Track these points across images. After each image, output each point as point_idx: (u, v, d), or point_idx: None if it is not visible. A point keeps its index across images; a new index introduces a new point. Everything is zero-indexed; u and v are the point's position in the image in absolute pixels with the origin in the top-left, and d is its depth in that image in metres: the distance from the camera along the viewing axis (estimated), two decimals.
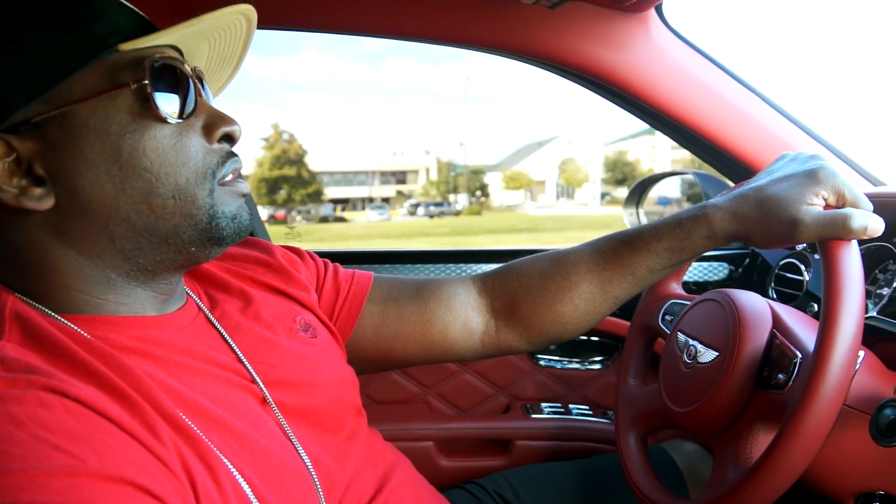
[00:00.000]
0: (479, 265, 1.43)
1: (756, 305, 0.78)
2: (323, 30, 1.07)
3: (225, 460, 0.53)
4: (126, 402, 0.49)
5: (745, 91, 1.10)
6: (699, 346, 0.81)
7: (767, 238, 0.71)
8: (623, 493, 1.01)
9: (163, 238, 0.59)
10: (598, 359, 1.46)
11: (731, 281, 1.35)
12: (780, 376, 0.69)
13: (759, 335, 0.74)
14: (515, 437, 1.33)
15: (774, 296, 1.22)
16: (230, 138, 0.63)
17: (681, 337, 0.86)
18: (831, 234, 0.65)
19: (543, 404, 1.41)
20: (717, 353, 0.77)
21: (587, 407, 1.41)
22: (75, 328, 0.56)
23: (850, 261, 0.64)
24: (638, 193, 1.70)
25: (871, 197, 0.69)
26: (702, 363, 0.79)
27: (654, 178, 1.65)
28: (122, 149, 0.55)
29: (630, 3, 0.98)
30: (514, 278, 0.87)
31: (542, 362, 1.45)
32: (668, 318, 0.99)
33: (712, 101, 1.10)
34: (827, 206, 0.68)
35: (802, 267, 1.16)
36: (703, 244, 0.76)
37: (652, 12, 1.04)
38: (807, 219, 0.67)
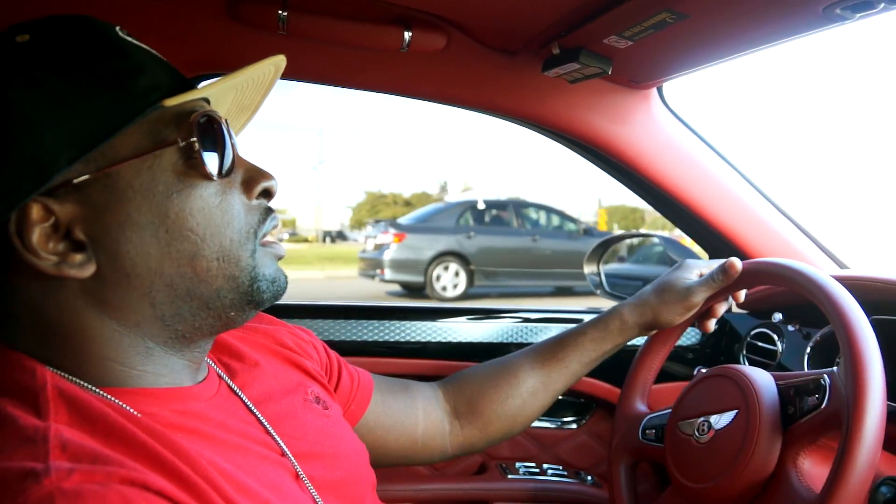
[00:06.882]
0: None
1: (753, 368, 0.82)
2: (342, 85, 1.06)
3: None
4: (195, 492, 0.45)
5: (731, 171, 1.18)
6: (711, 418, 0.83)
7: (670, 312, 0.93)
8: None
9: (204, 302, 0.56)
10: (571, 418, 1.47)
11: (702, 346, 1.40)
12: (809, 399, 0.73)
13: (770, 386, 0.78)
14: (494, 499, 1.30)
15: (746, 364, 1.27)
16: (268, 193, 0.61)
17: (682, 425, 0.87)
18: (714, 285, 0.90)
19: (518, 464, 1.39)
20: (735, 410, 0.79)
21: (561, 467, 1.41)
22: (122, 404, 0.50)
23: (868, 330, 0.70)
24: (600, 252, 1.75)
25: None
26: (720, 428, 0.80)
27: (617, 238, 1.71)
28: (170, 210, 0.53)
29: (639, 82, 1.04)
30: (469, 382, 0.98)
31: None
32: (648, 432, 0.98)
33: (700, 177, 1.16)
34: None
35: (775, 337, 1.22)
36: (619, 334, 0.95)
37: (654, 90, 1.10)
38: (695, 283, 0.92)
